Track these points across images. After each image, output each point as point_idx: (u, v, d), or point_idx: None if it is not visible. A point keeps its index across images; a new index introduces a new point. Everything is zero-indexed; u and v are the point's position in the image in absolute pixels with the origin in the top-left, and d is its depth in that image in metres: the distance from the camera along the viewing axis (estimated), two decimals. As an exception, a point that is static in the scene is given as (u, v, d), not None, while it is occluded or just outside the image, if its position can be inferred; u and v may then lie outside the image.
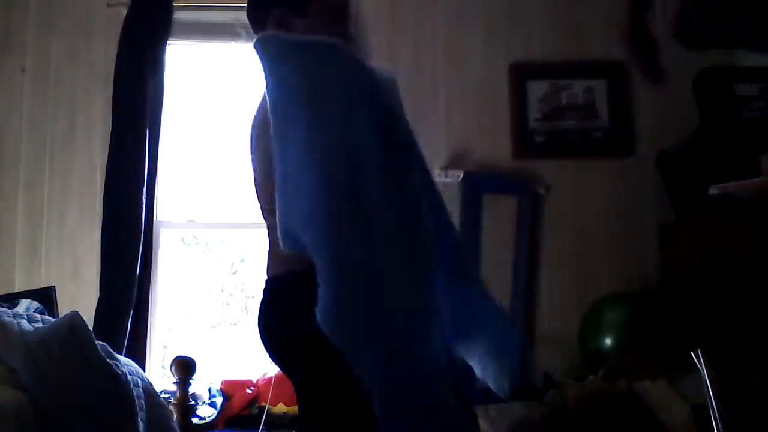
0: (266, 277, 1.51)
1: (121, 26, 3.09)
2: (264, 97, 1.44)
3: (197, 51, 3.32)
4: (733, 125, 2.69)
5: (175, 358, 2.59)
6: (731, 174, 2.57)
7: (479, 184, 3.10)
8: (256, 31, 1.56)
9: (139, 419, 1.93)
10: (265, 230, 1.55)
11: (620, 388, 2.44)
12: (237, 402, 2.78)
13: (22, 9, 3.17)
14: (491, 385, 1.54)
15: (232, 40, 3.19)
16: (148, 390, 2.16)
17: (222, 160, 3.24)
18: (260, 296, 1.50)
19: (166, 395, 2.57)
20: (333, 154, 1.28)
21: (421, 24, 3.24)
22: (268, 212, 1.49)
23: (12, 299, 2.59)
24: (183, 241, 3.22)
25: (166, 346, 3.07)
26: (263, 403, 2.72)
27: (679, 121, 3.17)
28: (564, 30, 3.25)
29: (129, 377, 1.95)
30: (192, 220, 3.21)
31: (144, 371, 2.46)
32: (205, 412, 2.76)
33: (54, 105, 3.14)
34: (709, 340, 2.46)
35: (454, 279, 1.49)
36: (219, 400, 2.80)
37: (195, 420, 2.65)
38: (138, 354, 2.85)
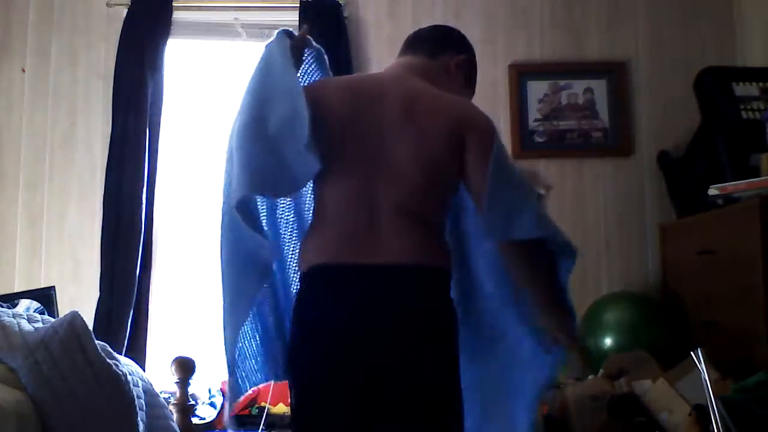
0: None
1: (121, 26, 3.09)
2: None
3: (197, 49, 3.32)
4: (733, 125, 2.68)
5: (175, 358, 2.59)
6: (731, 174, 2.57)
7: (479, 184, 3.09)
8: (424, 48, 1.61)
9: (139, 419, 1.93)
10: None
11: (620, 388, 2.44)
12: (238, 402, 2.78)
13: (22, 9, 3.17)
14: None
15: (233, 39, 3.20)
16: (148, 390, 2.16)
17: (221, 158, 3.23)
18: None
19: (166, 395, 2.57)
20: None
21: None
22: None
23: (12, 299, 2.58)
24: (182, 240, 3.21)
25: (166, 347, 3.07)
26: (263, 403, 2.72)
27: (679, 121, 3.17)
28: (564, 30, 3.26)
29: (129, 377, 1.95)
30: (191, 220, 3.22)
31: (144, 371, 2.46)
32: (205, 412, 2.76)
33: (54, 105, 3.14)
34: (709, 340, 2.46)
35: None
36: (219, 400, 2.80)
37: (195, 420, 2.65)
38: (138, 354, 2.85)
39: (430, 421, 1.32)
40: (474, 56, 1.70)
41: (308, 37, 1.55)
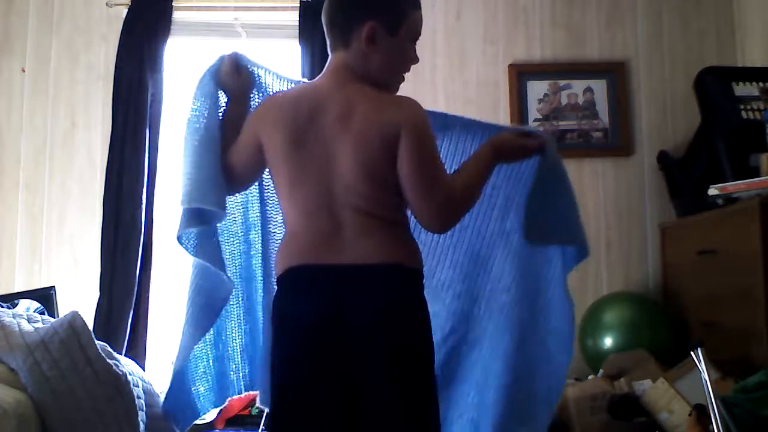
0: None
1: (121, 26, 3.09)
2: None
3: (198, 49, 3.32)
4: (733, 125, 2.68)
5: (176, 358, 2.58)
6: (731, 174, 2.57)
7: (479, 184, 3.09)
8: (336, 38, 1.49)
9: (139, 419, 1.93)
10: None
11: (620, 388, 2.44)
12: (237, 402, 2.77)
13: (22, 9, 3.17)
14: None
15: (233, 39, 3.20)
16: (148, 390, 2.16)
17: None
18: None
19: (166, 395, 2.57)
20: None
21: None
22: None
23: (12, 299, 2.58)
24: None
25: (166, 346, 3.07)
26: (263, 403, 2.72)
27: (679, 121, 3.18)
28: (564, 30, 3.26)
29: (129, 377, 1.95)
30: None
31: (144, 371, 2.46)
32: (205, 412, 2.75)
33: (54, 105, 3.15)
34: (709, 340, 2.46)
35: None
36: (219, 400, 2.80)
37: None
38: (138, 354, 2.85)
39: (404, 418, 1.34)
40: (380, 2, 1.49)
41: (240, 54, 1.65)
